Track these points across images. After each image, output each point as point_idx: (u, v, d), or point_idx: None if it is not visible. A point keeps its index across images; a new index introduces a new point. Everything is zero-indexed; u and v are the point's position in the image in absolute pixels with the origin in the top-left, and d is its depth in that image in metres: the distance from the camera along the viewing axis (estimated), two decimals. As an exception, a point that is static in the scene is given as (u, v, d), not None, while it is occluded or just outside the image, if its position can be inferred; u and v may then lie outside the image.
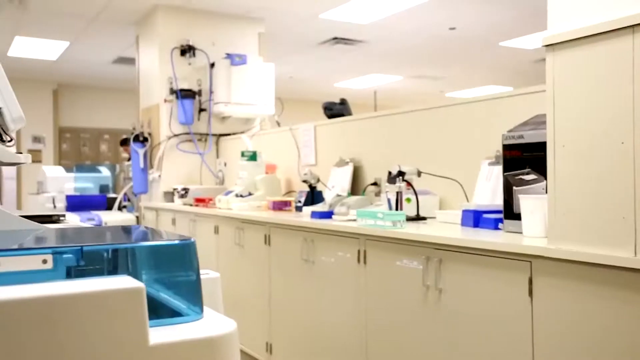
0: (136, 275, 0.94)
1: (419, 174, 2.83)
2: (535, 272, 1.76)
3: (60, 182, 7.00)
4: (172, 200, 4.92)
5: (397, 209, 2.64)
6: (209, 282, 1.42)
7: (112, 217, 5.26)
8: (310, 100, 8.86)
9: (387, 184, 2.68)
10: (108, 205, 6.14)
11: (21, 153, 1.47)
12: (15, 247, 0.84)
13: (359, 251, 2.49)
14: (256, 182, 4.02)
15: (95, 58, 7.73)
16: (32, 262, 0.83)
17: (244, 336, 3.51)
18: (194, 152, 5.32)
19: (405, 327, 2.25)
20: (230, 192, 4.05)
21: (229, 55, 5.23)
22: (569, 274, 1.65)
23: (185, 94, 5.28)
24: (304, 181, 3.49)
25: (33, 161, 8.57)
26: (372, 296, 2.43)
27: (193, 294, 0.98)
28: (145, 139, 5.46)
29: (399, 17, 6.00)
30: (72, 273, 0.86)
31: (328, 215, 2.93)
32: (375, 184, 3.30)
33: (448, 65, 8.38)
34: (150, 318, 0.94)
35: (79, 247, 0.87)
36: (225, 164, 5.05)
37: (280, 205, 3.62)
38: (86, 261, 0.88)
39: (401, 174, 2.70)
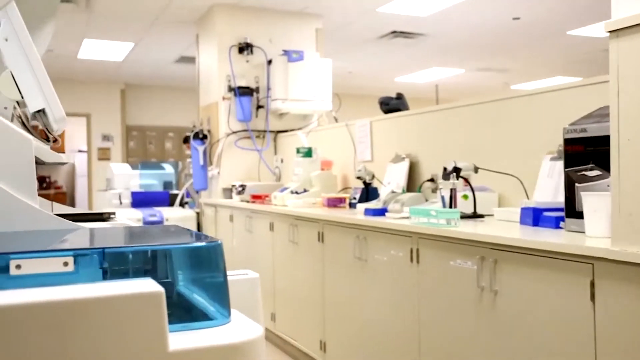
0: (160, 278, 0.91)
1: (476, 169, 2.72)
2: (598, 275, 1.64)
3: (126, 179, 7.23)
4: (231, 197, 4.97)
5: (451, 207, 2.54)
6: (247, 283, 1.39)
7: (173, 214, 5.37)
8: (370, 96, 8.76)
9: (441, 181, 2.59)
10: (170, 201, 6.28)
11: (64, 153, 1.49)
12: (37, 249, 0.83)
13: (411, 250, 2.42)
14: (311, 178, 3.99)
15: (159, 58, 7.92)
16: (53, 265, 0.82)
17: (299, 334, 3.49)
18: (252, 149, 5.35)
19: (459, 330, 2.17)
20: (285, 188, 4.05)
21: (286, 52, 5.22)
22: (635, 277, 1.53)
23: (243, 92, 5.31)
24: (358, 177, 3.44)
25: (102, 159, 8.91)
26: (425, 296, 2.35)
27: (220, 297, 0.95)
28: (205, 137, 5.53)
29: (459, 8, 5.83)
30: (94, 276, 0.85)
31: (381, 212, 2.86)
32: (432, 180, 3.20)
33: (512, 57, 8.09)
34: (175, 322, 0.91)
35: (101, 249, 0.86)
36: (282, 161, 5.06)
37: (334, 202, 3.57)
38: (109, 263, 0.86)
39: (457, 170, 2.61)
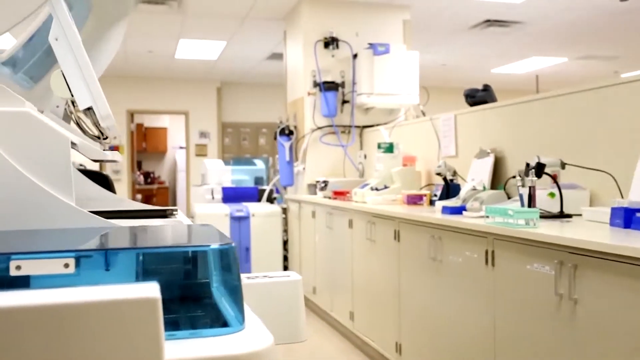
0: (168, 282, 0.87)
1: (563, 165, 2.51)
2: (692, 286, 1.43)
3: (219, 174, 7.44)
4: (315, 193, 4.96)
5: (529, 206, 2.36)
6: (288, 286, 1.34)
7: (259, 209, 5.44)
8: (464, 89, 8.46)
9: (518, 177, 2.41)
10: (259, 196, 6.39)
11: (115, 149, 1.50)
12: (38, 249, 0.82)
13: (486, 251, 2.26)
14: (392, 174, 3.88)
15: (251, 55, 8.07)
16: (54, 266, 0.80)
17: (376, 334, 3.41)
18: (337, 145, 5.31)
19: (536, 338, 2.00)
20: (366, 185, 3.96)
21: (371, 45, 5.13)
22: None
23: (329, 86, 5.28)
24: (438, 174, 3.29)
25: (199, 155, 9.20)
26: (501, 302, 2.19)
27: (234, 303, 0.89)
28: (291, 132, 5.56)
29: (558, -8, 5.46)
30: (96, 278, 0.82)
31: (459, 210, 2.71)
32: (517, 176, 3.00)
33: (621, 43, 7.49)
34: (184, 329, 0.87)
35: (104, 251, 0.83)
36: (365, 156, 4.97)
37: (414, 199, 3.45)
38: (112, 265, 0.83)
39: (540, 166, 2.41)
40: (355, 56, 5.23)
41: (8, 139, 1.14)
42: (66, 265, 0.80)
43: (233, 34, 6.92)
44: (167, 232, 1.12)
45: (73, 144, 1.25)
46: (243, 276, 1.26)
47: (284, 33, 6.11)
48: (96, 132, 1.50)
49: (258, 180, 7.36)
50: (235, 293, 0.89)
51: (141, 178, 12.38)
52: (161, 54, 7.95)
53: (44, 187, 1.13)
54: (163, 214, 1.94)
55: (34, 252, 0.80)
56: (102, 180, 2.93)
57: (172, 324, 0.86)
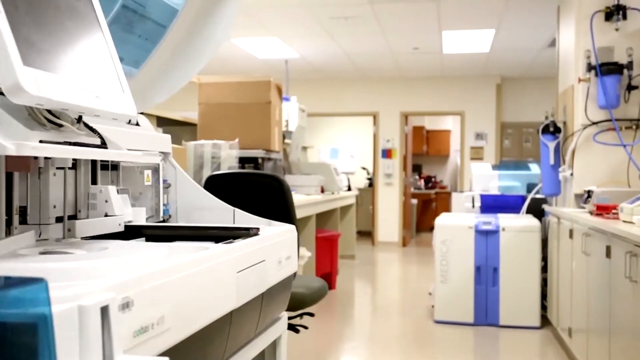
0: None
1: None
2: None
3: (485, 180, 6.63)
4: (582, 206, 3.85)
5: None
6: None
7: (512, 222, 4.51)
8: None
9: None
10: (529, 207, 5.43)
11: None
12: None
13: None
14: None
15: (528, 43, 7.01)
16: None
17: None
18: (616, 144, 4.07)
19: None
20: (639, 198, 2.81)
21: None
22: None
23: (608, 69, 4.07)
24: None
25: (474, 159, 8.47)
26: None
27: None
28: (557, 129, 4.49)
29: None
30: None
31: None
32: None
33: None
34: None
35: None
36: (654, 159, 3.67)
37: None
38: None
39: None
40: (647, 27, 3.94)
41: None
42: None
43: (500, 20, 6.03)
44: None
45: None
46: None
47: (557, 10, 5.03)
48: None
49: (530, 188, 6.32)
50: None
51: (421, 182, 12.08)
52: (428, 50, 7.44)
53: None
54: (245, 233, 1.42)
55: None
56: (266, 184, 2.53)
57: None
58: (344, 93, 9.56)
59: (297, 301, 2.64)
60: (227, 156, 3.68)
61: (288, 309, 2.73)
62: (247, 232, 1.40)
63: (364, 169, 11.70)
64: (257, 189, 2.57)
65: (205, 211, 1.73)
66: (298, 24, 6.26)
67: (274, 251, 1.41)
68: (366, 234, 10.75)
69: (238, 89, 3.79)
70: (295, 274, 1.67)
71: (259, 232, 1.40)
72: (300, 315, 2.78)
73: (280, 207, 2.53)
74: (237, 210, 1.72)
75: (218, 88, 3.84)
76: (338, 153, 12.61)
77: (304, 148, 7.54)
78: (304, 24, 6.23)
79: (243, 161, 3.77)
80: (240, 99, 3.79)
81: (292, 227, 1.62)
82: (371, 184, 10.69)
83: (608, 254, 2.66)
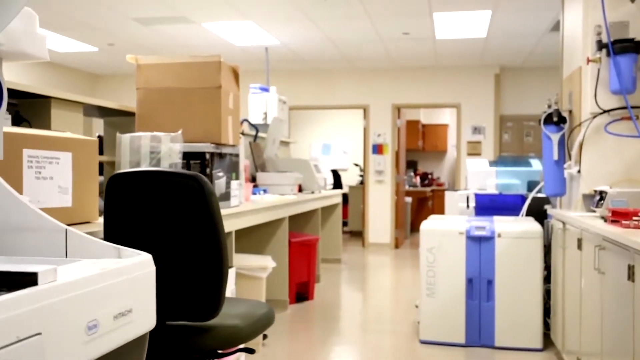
0: None
1: None
2: None
3: (482, 177, 6.02)
4: (592, 209, 3.24)
5: None
6: None
7: (510, 227, 3.89)
8: None
9: None
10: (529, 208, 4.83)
11: None
12: None
13: None
14: None
15: (528, 27, 6.38)
16: None
17: None
18: (632, 136, 3.46)
19: None
20: (669, 202, 2.20)
21: (698, -25, 3.17)
22: None
23: (622, 47, 3.45)
24: None
25: (472, 154, 7.79)
26: None
27: None
28: (562, 119, 3.87)
29: None
30: None
31: None
32: None
33: None
34: None
35: None
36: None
37: None
38: None
39: None
40: (669, -4, 3.32)
41: None
42: None
43: (496, 1, 5.41)
44: None
45: None
46: None
47: (561, -16, 4.41)
48: None
49: (531, 186, 5.71)
50: None
51: (417, 180, 11.45)
52: (419, 36, 6.82)
53: None
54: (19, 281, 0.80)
55: None
56: (187, 182, 1.93)
57: None
58: (331, 84, 8.94)
59: (228, 336, 2.04)
60: (169, 151, 3.08)
61: (217, 347, 2.13)
62: (20, 279, 0.80)
63: (356, 165, 11.08)
64: (172, 192, 1.97)
65: (26, 233, 1.12)
66: (273, 7, 5.65)
67: (71, 312, 0.80)
68: (358, 234, 10.15)
69: (182, 70, 3.19)
70: (147, 334, 1.07)
71: (37, 281, 0.79)
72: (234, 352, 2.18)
73: (200, 215, 1.93)
74: (72, 231, 1.11)
75: (159, 70, 3.23)
76: (330, 149, 12.00)
77: (285, 143, 6.92)
78: (280, 6, 5.61)
79: (188, 157, 3.16)
80: (184, 83, 3.19)
81: (146, 259, 1.01)
82: (363, 181, 10.08)
83: (631, 275, 2.05)
